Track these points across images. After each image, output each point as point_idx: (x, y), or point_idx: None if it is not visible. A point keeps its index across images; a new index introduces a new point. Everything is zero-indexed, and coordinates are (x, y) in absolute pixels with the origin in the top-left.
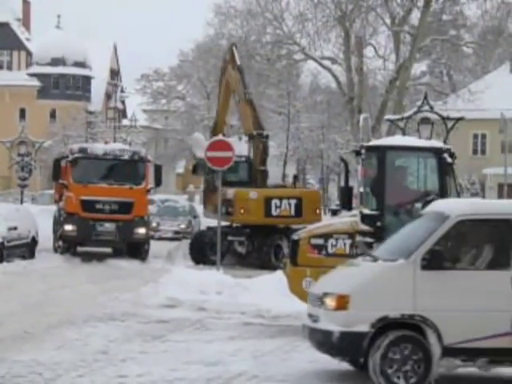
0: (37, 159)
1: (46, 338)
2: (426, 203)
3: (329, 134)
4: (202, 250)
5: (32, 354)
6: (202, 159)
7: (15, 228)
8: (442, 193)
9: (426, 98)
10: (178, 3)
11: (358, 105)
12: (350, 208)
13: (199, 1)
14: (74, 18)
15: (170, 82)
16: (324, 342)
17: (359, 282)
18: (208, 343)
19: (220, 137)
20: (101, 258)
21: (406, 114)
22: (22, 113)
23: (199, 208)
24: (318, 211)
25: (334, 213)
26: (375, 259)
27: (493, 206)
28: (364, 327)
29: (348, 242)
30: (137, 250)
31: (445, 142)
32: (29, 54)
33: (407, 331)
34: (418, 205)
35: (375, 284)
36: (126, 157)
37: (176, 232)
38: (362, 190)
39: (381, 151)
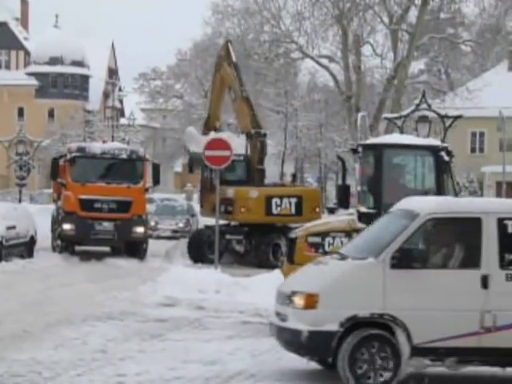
0: (35, 158)
1: (45, 337)
2: None
3: (327, 132)
4: (200, 249)
5: (31, 353)
6: (196, 153)
7: (14, 227)
8: (439, 191)
9: (423, 96)
10: (176, 2)
11: (356, 103)
12: (347, 206)
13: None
14: (71, 17)
15: (167, 80)
16: (292, 341)
17: (328, 281)
18: (206, 342)
19: (218, 135)
20: (99, 256)
21: (404, 113)
22: (21, 112)
23: (197, 207)
24: (317, 210)
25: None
26: (344, 257)
27: (463, 204)
28: (333, 326)
29: (345, 240)
30: (135, 248)
31: (443, 140)
32: (27, 53)
33: (376, 330)
34: None
35: (344, 283)
36: (124, 156)
37: (174, 231)
38: (359, 188)
39: (378, 149)
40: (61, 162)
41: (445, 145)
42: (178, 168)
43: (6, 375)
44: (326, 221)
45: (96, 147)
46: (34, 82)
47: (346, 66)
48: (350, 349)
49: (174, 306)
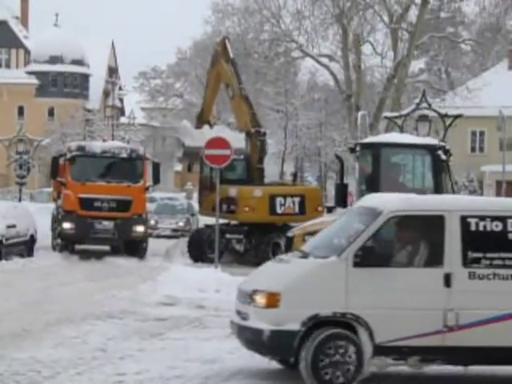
0: (35, 157)
1: (45, 336)
2: None
3: (327, 131)
4: (200, 248)
5: (30, 352)
6: (191, 147)
7: (13, 226)
8: (437, 189)
9: (424, 95)
10: (176, 1)
11: (356, 102)
12: (344, 205)
13: None
14: (71, 16)
15: (167, 79)
16: (254, 340)
17: (290, 280)
18: (206, 341)
19: (218, 134)
20: (99, 255)
21: (404, 112)
22: (21, 111)
23: (197, 206)
24: (319, 208)
25: (330, 210)
26: (306, 255)
27: (426, 202)
28: (295, 326)
29: None
30: (135, 247)
31: (443, 139)
32: (27, 52)
33: (339, 329)
34: None
35: (307, 281)
36: (124, 155)
37: (174, 230)
38: (357, 187)
39: (375, 148)
40: (61, 160)
41: (442, 144)
42: (178, 167)
43: (6, 374)
44: (323, 220)
45: (96, 146)
46: (34, 80)
47: (346, 64)
48: (312, 348)
49: (173, 305)
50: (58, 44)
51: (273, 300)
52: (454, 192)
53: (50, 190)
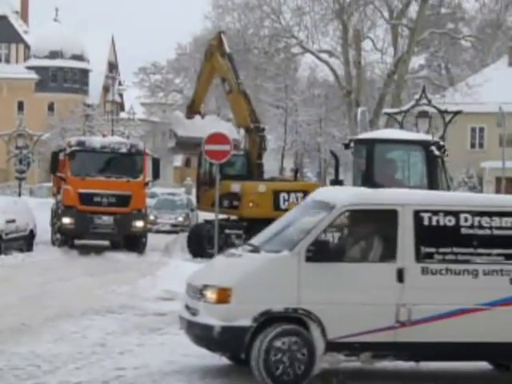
0: (35, 152)
1: (44, 331)
2: None
3: (326, 127)
4: (200, 243)
5: (30, 347)
6: (183, 137)
7: (13, 221)
8: (431, 185)
9: (424, 91)
10: None
11: (356, 98)
12: None
13: None
14: (71, 11)
15: (167, 75)
16: (203, 336)
17: (241, 275)
18: None
19: (218, 130)
20: (98, 250)
21: (404, 108)
22: (20, 106)
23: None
24: None
25: None
26: (257, 250)
27: (380, 196)
28: (246, 321)
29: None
30: (134, 243)
31: (443, 135)
32: (27, 46)
33: (291, 325)
34: None
35: (258, 276)
36: (124, 150)
37: (173, 225)
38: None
39: (369, 144)
40: (60, 155)
41: (436, 140)
42: (178, 162)
43: (6, 368)
44: None
45: (96, 141)
46: (33, 75)
47: (346, 60)
48: (264, 344)
49: (173, 300)
50: (57, 39)
51: (224, 295)
52: (448, 188)
53: (50, 184)
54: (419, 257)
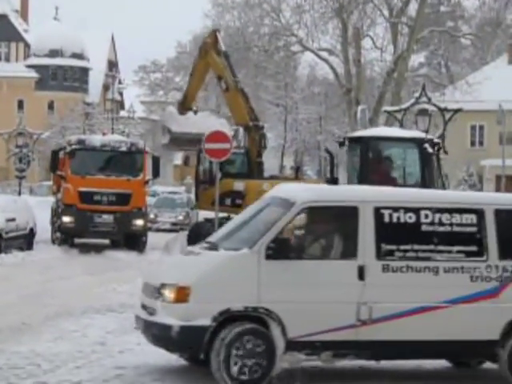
0: (35, 150)
1: (44, 330)
2: None
3: (326, 125)
4: (200, 242)
5: (30, 346)
6: (177, 133)
7: (13, 219)
8: (424, 182)
9: (423, 89)
10: None
11: (356, 96)
12: None
13: None
14: (71, 9)
15: (167, 73)
16: (161, 336)
17: (200, 273)
18: None
19: (218, 128)
20: (98, 249)
21: (404, 106)
22: (20, 104)
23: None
24: None
25: None
26: (216, 248)
27: (340, 193)
28: (205, 321)
29: None
30: (134, 241)
31: (443, 133)
32: (27, 45)
33: (251, 324)
34: None
35: (217, 275)
36: (124, 148)
37: (174, 224)
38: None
39: (363, 142)
40: (60, 154)
41: (429, 137)
42: (178, 161)
43: (6, 367)
44: None
45: (96, 140)
46: (33, 74)
47: (346, 59)
48: (224, 344)
49: None
50: (57, 37)
51: (182, 294)
52: (443, 185)
53: (50, 183)
54: (380, 254)
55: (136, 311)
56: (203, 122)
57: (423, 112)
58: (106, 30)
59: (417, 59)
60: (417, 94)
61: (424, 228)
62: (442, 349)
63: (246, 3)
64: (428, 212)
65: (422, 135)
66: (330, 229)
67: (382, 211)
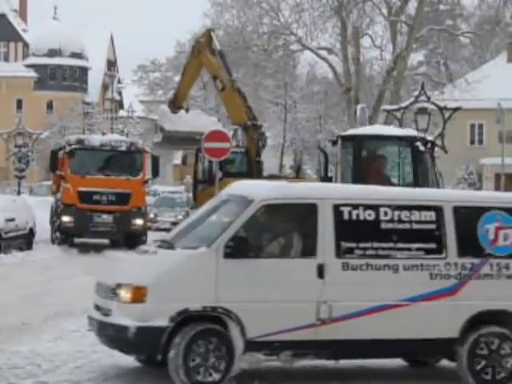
0: (34, 150)
1: (44, 330)
2: None
3: (326, 124)
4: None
5: (30, 345)
6: (171, 131)
7: (13, 219)
8: (416, 180)
9: (423, 88)
10: None
11: (355, 95)
12: None
13: None
14: (70, 9)
15: (166, 72)
16: (117, 337)
17: (157, 273)
18: None
19: (217, 127)
20: (98, 249)
21: (403, 104)
22: (19, 104)
23: None
24: None
25: None
26: (172, 246)
27: (299, 190)
28: (163, 321)
29: None
30: (134, 241)
31: (442, 132)
32: (25, 45)
33: (209, 324)
34: None
35: (175, 274)
36: (124, 148)
37: (173, 223)
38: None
39: (355, 140)
40: (60, 154)
41: (421, 135)
42: (177, 160)
43: (5, 367)
44: None
45: (95, 139)
46: (32, 73)
47: (345, 57)
48: (182, 345)
49: None
50: (56, 37)
51: (139, 294)
52: (438, 184)
53: (49, 183)
54: (339, 252)
55: (89, 312)
56: (195, 120)
57: (422, 111)
58: (104, 29)
59: (416, 58)
60: (416, 93)
61: (383, 225)
62: (402, 347)
63: (245, 2)
64: (387, 209)
65: (414, 133)
66: (290, 226)
67: (342, 208)
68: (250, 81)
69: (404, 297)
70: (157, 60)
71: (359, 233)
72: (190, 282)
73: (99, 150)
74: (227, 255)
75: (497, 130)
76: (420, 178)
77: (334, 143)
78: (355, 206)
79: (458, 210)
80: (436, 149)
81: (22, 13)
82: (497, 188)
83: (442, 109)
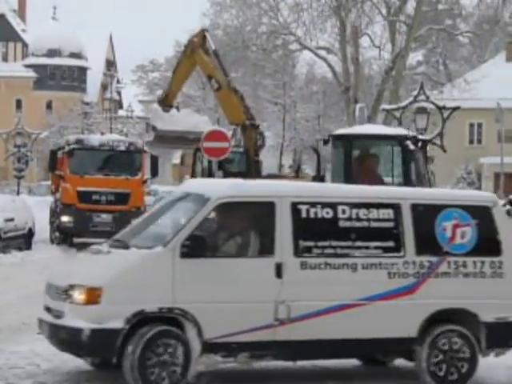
0: (33, 150)
1: None
2: None
3: (325, 124)
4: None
5: (29, 345)
6: (163, 130)
7: (12, 219)
8: (406, 179)
9: (422, 87)
10: None
11: (354, 95)
12: None
13: None
14: (69, 9)
15: (165, 72)
16: (70, 341)
17: (112, 273)
18: None
19: (217, 127)
20: None
21: (402, 104)
22: (18, 104)
23: None
24: None
25: None
26: (126, 246)
27: (256, 188)
28: (118, 323)
29: None
30: None
31: (441, 131)
32: (25, 45)
33: (165, 326)
34: None
35: (130, 275)
36: (123, 148)
37: None
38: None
39: (346, 140)
40: (59, 154)
41: (413, 134)
42: (176, 160)
43: (5, 367)
44: None
45: (94, 139)
46: (31, 73)
47: (344, 57)
48: (138, 348)
49: None
50: (55, 37)
51: (93, 295)
52: (430, 183)
53: (49, 183)
54: (298, 251)
55: (39, 315)
56: (186, 119)
57: (421, 110)
58: (103, 29)
59: (415, 57)
60: (415, 92)
61: (342, 224)
62: (360, 347)
63: (244, 2)
64: (345, 207)
65: (405, 132)
66: (247, 225)
67: (300, 207)
68: (249, 80)
69: (362, 296)
70: (156, 60)
71: (317, 231)
72: (145, 282)
73: (98, 149)
74: (184, 255)
75: (496, 129)
76: (411, 177)
77: (326, 142)
78: (313, 204)
79: (416, 208)
80: (435, 148)
81: (21, 13)
82: (496, 187)
83: (441, 108)
